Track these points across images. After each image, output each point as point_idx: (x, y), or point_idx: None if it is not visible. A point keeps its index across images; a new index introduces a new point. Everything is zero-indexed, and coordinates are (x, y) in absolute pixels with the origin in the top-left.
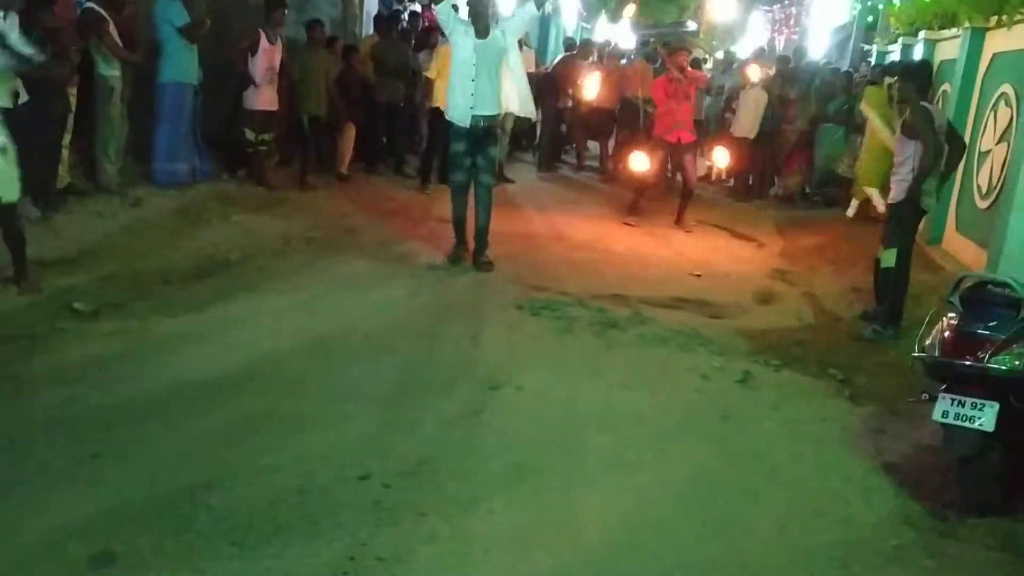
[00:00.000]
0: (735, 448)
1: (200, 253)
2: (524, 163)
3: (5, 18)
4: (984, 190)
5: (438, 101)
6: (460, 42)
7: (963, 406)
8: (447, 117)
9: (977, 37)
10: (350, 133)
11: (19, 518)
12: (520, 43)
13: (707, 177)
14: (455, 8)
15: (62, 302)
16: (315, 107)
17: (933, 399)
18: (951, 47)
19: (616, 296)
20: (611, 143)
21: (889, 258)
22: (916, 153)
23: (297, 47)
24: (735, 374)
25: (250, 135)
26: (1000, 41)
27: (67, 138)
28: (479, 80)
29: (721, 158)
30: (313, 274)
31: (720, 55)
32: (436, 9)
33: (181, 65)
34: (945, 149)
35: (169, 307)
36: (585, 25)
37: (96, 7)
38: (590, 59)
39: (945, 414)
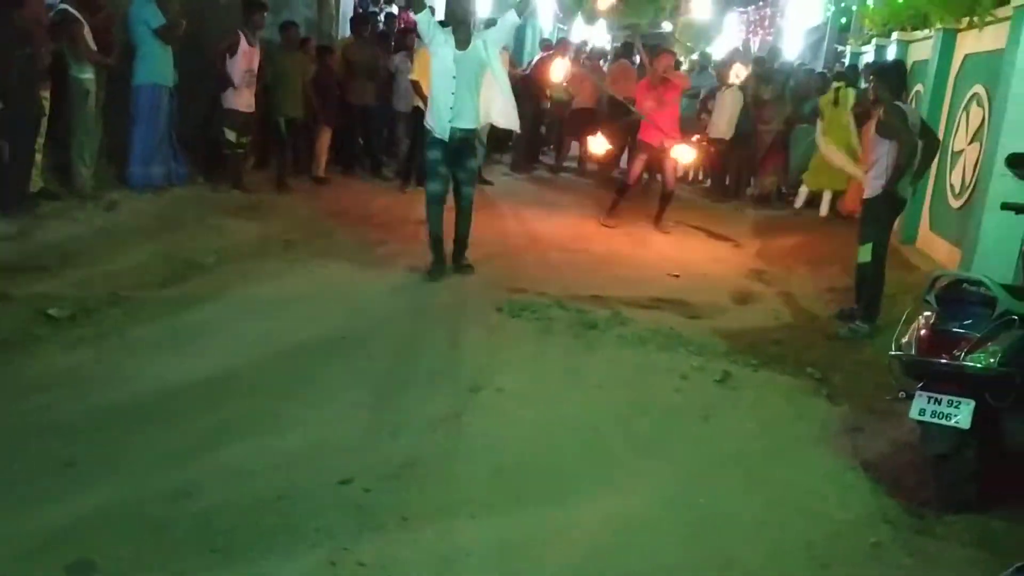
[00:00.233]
0: (715, 448)
1: (176, 257)
2: (503, 164)
3: None
4: (957, 189)
5: (420, 101)
6: (439, 52)
7: (939, 404)
8: (425, 124)
9: (949, 38)
10: (325, 135)
11: None
12: None
13: (684, 178)
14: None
15: (36, 308)
16: (291, 109)
17: (910, 397)
18: (924, 48)
19: (595, 297)
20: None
21: (864, 253)
22: (890, 151)
23: (271, 48)
24: (714, 374)
25: (231, 136)
26: (971, 42)
27: (40, 142)
28: (459, 93)
29: (684, 154)
30: (291, 278)
31: (695, 56)
32: (416, 18)
33: (156, 67)
34: (919, 147)
35: (145, 312)
36: (561, 26)
37: (70, 9)
38: (567, 58)
39: (922, 412)
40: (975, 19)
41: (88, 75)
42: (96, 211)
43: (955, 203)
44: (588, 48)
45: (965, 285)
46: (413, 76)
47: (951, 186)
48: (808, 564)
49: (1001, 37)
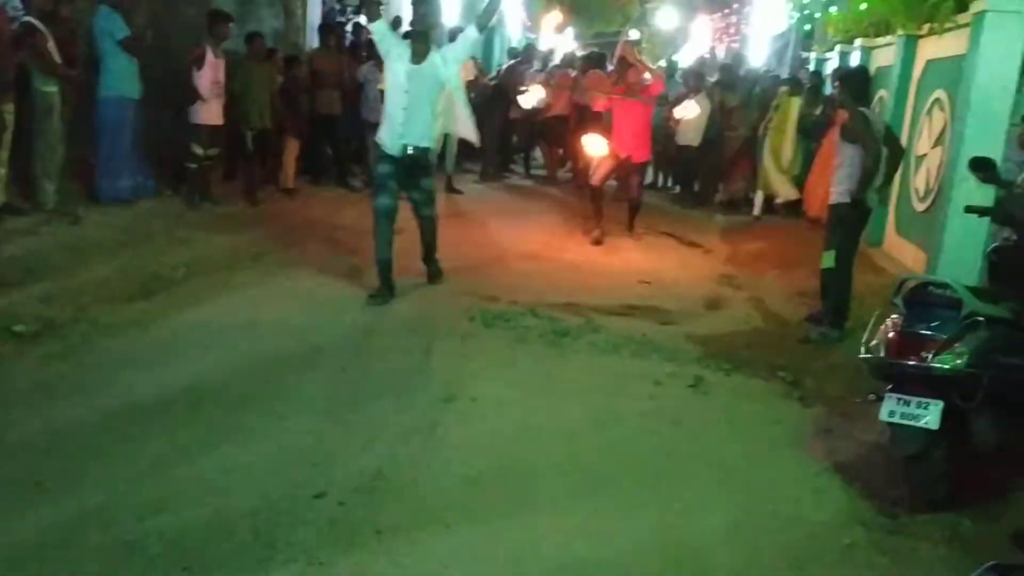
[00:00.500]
0: (689, 452)
1: (144, 271)
2: (473, 173)
3: None
4: (922, 193)
5: None
6: (393, 66)
7: (909, 405)
8: (377, 139)
9: (910, 44)
10: (293, 146)
11: None
12: None
13: (653, 184)
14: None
15: (1, 325)
16: (258, 120)
17: (880, 399)
18: (886, 54)
19: (567, 305)
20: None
21: (828, 259)
22: (854, 156)
23: (237, 59)
24: (687, 379)
25: (198, 150)
26: (932, 48)
27: (4, 156)
28: (411, 109)
29: (595, 146)
30: (261, 290)
31: (663, 63)
32: (370, 27)
33: (121, 79)
34: (884, 152)
35: (113, 327)
36: (530, 35)
37: (34, 21)
38: (535, 67)
39: (892, 414)
40: (935, 25)
41: (52, 88)
42: (61, 226)
43: (920, 207)
44: (555, 57)
45: (931, 288)
46: (382, 86)
47: (915, 190)
48: (784, 567)
49: (961, 43)
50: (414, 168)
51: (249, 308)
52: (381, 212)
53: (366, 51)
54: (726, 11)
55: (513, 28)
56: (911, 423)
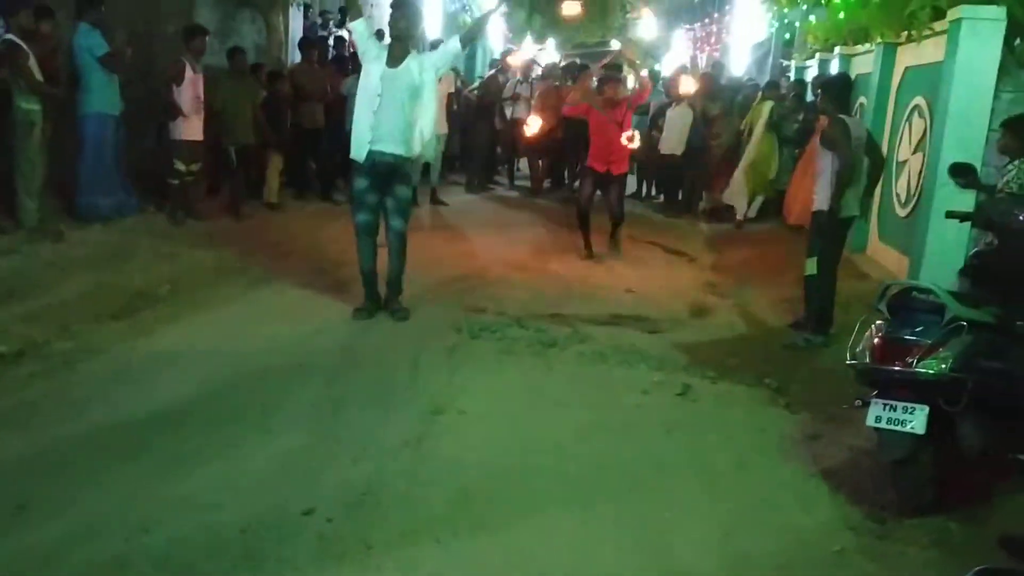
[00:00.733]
0: (677, 461)
1: (129, 288)
2: (458, 185)
3: None
4: (903, 199)
5: None
6: (368, 68)
7: (895, 410)
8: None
9: (889, 52)
10: (276, 161)
11: None
12: None
13: (637, 193)
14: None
15: None
16: (241, 135)
17: (866, 404)
18: (865, 62)
19: (554, 315)
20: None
21: (810, 266)
22: (833, 164)
23: (219, 75)
24: (674, 387)
25: (180, 166)
26: (911, 55)
27: None
28: (381, 113)
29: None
30: (247, 305)
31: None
32: (351, 25)
33: (102, 96)
34: (863, 161)
35: (97, 345)
36: (511, 47)
37: (15, 39)
38: (516, 76)
39: (878, 419)
40: (914, 33)
41: (34, 106)
42: (44, 244)
43: (902, 212)
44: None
45: (915, 293)
46: None
47: (897, 196)
48: (773, 574)
49: (939, 50)
50: (390, 176)
51: (235, 324)
52: (362, 228)
53: (351, 64)
54: (707, 20)
55: (496, 40)
56: (897, 428)
